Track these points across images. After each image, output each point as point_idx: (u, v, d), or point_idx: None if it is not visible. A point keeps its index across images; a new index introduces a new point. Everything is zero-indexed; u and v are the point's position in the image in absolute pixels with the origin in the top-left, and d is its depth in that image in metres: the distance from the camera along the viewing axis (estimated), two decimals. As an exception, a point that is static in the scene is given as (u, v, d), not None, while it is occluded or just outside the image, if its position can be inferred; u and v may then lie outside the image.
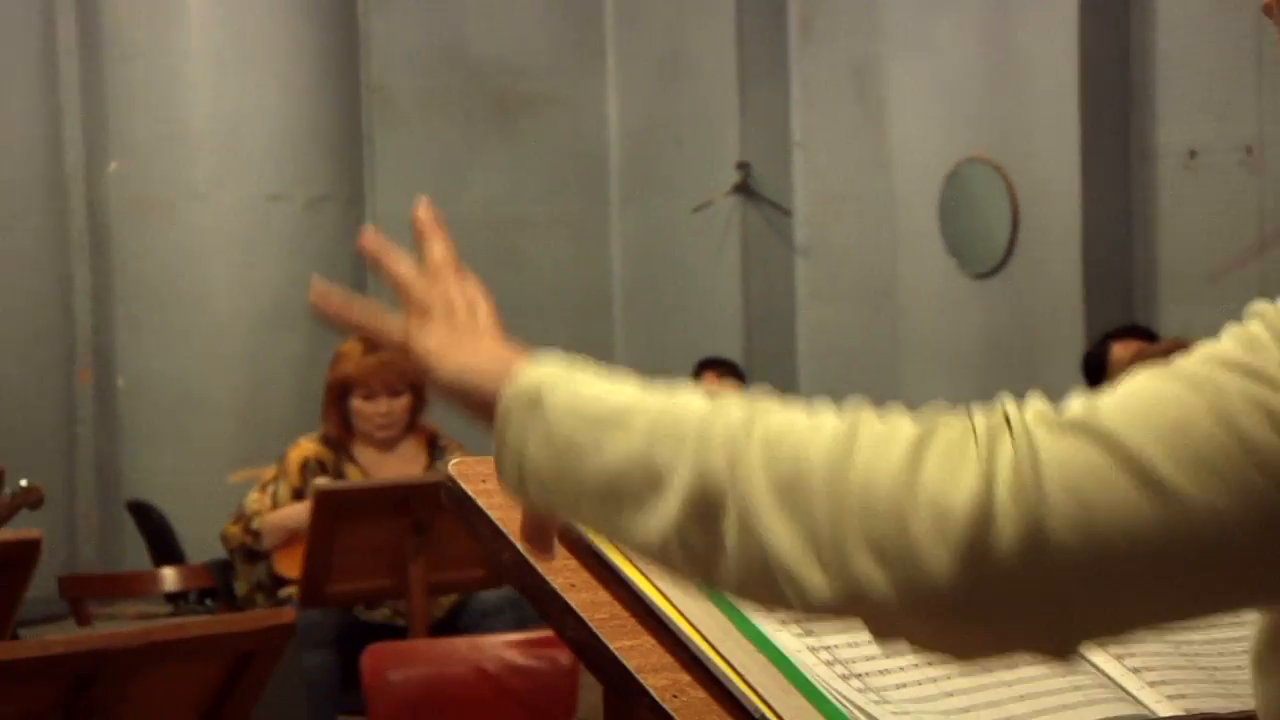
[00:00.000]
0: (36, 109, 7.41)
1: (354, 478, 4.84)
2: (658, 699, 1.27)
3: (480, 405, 1.23)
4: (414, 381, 4.94)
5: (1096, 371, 5.49)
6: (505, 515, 1.38)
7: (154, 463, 7.29)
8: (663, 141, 8.39)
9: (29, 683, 2.58)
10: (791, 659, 1.31)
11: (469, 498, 1.39)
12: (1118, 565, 1.02)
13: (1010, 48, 7.10)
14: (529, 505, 1.21)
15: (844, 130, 7.87)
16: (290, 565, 4.77)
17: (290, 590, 4.76)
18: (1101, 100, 6.90)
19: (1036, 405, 1.07)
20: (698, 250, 8.13)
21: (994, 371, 7.02)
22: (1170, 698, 1.40)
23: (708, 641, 1.30)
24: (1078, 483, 1.02)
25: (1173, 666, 1.44)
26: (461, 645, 3.98)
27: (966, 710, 1.32)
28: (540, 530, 1.28)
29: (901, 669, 1.34)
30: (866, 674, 1.32)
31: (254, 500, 4.87)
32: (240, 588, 4.97)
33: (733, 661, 1.29)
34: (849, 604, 1.05)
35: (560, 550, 1.37)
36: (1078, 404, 1.06)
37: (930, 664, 1.36)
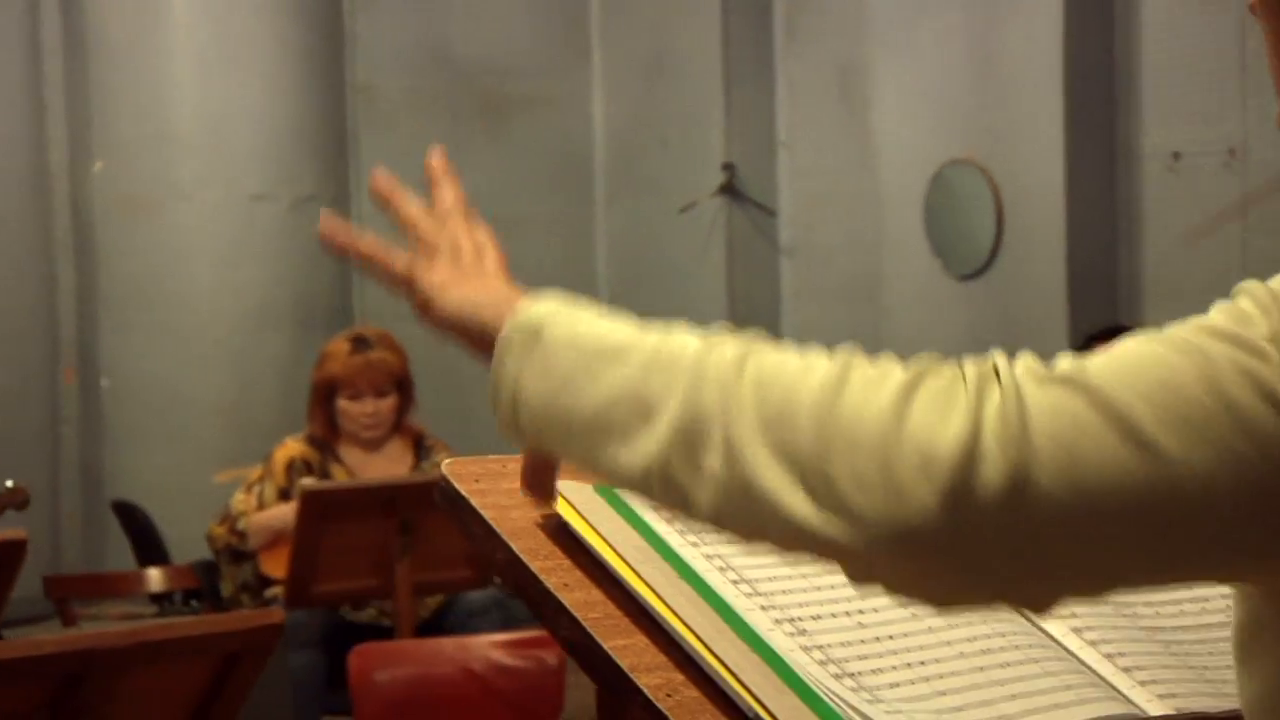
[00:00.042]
0: (20, 108, 7.39)
1: (340, 478, 4.84)
2: (651, 698, 1.27)
3: (479, 337, 1.25)
4: (400, 381, 4.95)
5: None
6: (499, 515, 1.38)
7: (139, 463, 7.28)
8: (648, 142, 8.39)
9: (15, 683, 2.58)
10: (785, 658, 1.31)
11: (462, 497, 1.39)
12: (1098, 517, 1.03)
13: (995, 50, 7.11)
14: (518, 438, 1.22)
15: (829, 131, 7.88)
16: (276, 565, 4.76)
17: (276, 590, 4.75)
18: (1086, 102, 6.91)
19: (1026, 359, 1.08)
20: (683, 250, 8.13)
21: (979, 372, 7.03)
22: (1161, 697, 1.41)
23: (701, 641, 1.30)
24: (1063, 433, 1.03)
25: (1163, 666, 1.44)
26: (448, 645, 3.98)
27: (959, 709, 1.32)
28: (540, 475, 1.29)
29: (894, 669, 1.35)
30: (860, 673, 1.32)
31: (239, 501, 4.87)
32: (226, 588, 4.96)
33: (726, 661, 1.29)
34: (828, 536, 1.06)
35: (554, 550, 1.37)
36: (1067, 361, 1.08)
37: (922, 664, 1.36)
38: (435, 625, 4.82)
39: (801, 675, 1.30)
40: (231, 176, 7.26)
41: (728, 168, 8.15)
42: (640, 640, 1.31)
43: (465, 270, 1.29)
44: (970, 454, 1.03)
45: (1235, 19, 6.29)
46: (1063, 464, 1.03)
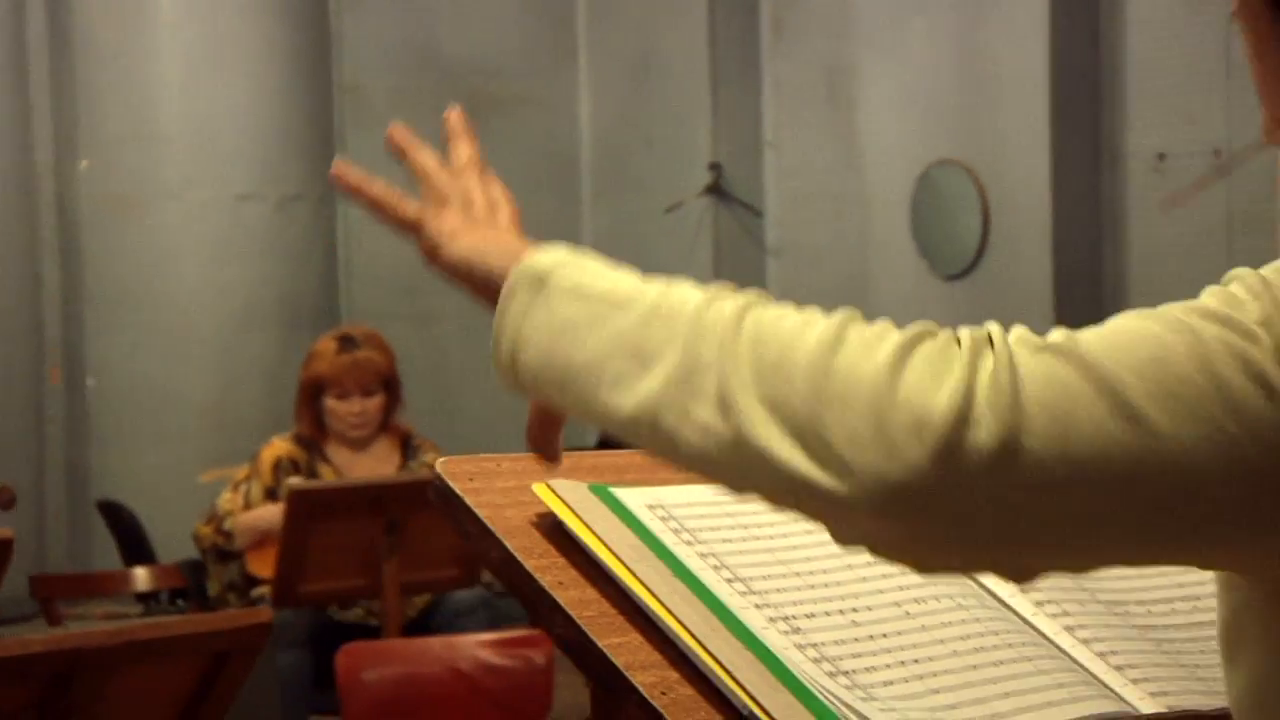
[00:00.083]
0: (6, 107, 7.37)
1: (327, 477, 4.83)
2: (646, 696, 1.27)
3: (484, 283, 1.26)
4: (387, 380, 4.94)
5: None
6: (493, 513, 1.38)
7: (124, 462, 7.27)
8: (634, 142, 8.40)
9: (3, 682, 2.57)
10: (779, 656, 1.31)
11: (456, 496, 1.39)
12: (1085, 486, 1.04)
13: (981, 51, 7.12)
14: (514, 385, 1.23)
15: (816, 131, 7.89)
16: (262, 565, 4.76)
17: (262, 590, 4.75)
18: (1071, 104, 6.93)
19: (1019, 329, 1.09)
20: (669, 250, 8.14)
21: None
22: (1153, 694, 1.41)
23: (695, 638, 1.31)
24: (1055, 402, 1.04)
25: (1155, 664, 1.45)
26: (436, 645, 3.98)
27: (953, 707, 1.33)
28: (545, 431, 1.30)
29: (888, 666, 1.35)
30: (853, 671, 1.33)
31: (226, 500, 4.86)
32: (212, 588, 4.96)
33: (720, 658, 1.29)
34: (818, 488, 1.06)
35: (548, 548, 1.37)
36: (1060, 333, 1.09)
37: (915, 661, 1.37)
38: (422, 625, 4.82)
39: (796, 673, 1.30)
40: (218, 176, 7.25)
41: (714, 168, 8.16)
42: (635, 638, 1.31)
43: (476, 221, 1.31)
44: (963, 417, 1.04)
45: (1220, 21, 6.31)
46: (1053, 432, 1.04)
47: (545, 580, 1.34)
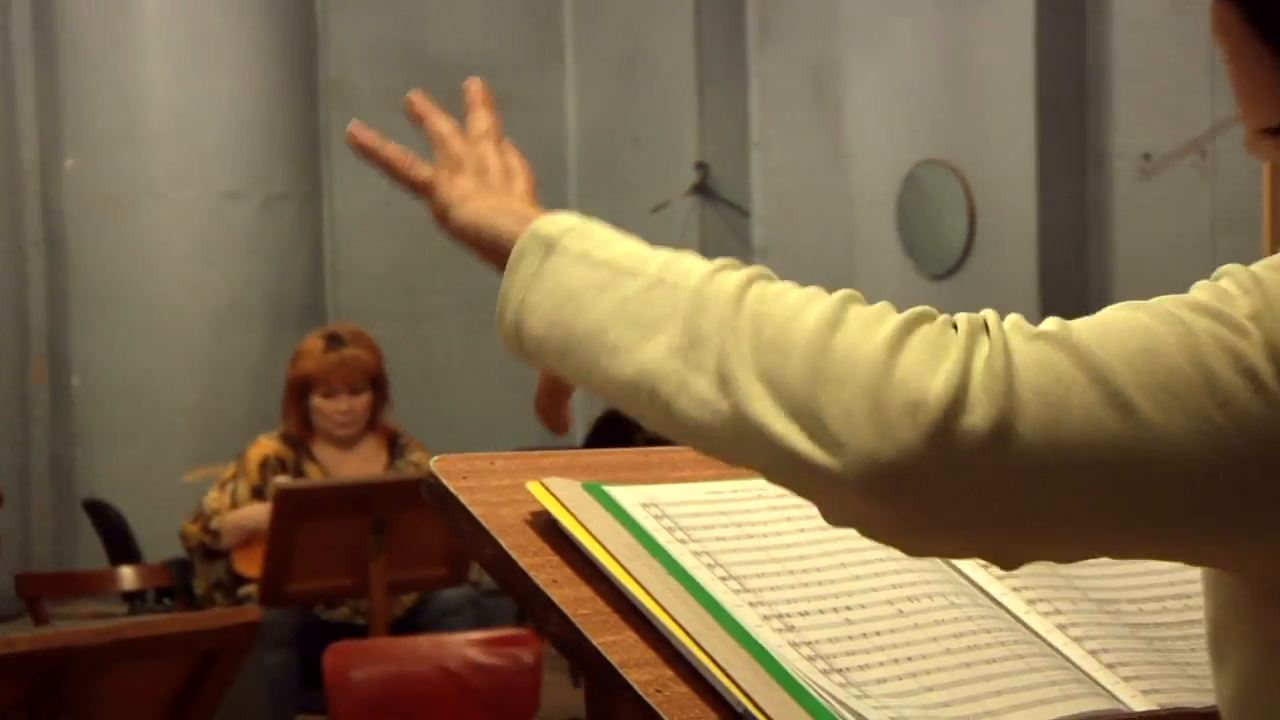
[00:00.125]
0: (-9, 106, 7.37)
1: (314, 476, 4.83)
2: (641, 693, 1.27)
3: (492, 247, 1.27)
4: (374, 378, 4.94)
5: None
6: (487, 512, 1.38)
7: (110, 461, 7.26)
8: (621, 141, 8.40)
9: (-7, 680, 2.57)
10: (773, 654, 1.31)
11: (450, 494, 1.39)
12: (1074, 474, 1.05)
13: (968, 51, 7.14)
14: (518, 350, 1.23)
15: (802, 131, 7.90)
16: (249, 564, 4.76)
17: (249, 589, 4.75)
18: (1057, 104, 6.95)
19: (1014, 316, 1.10)
20: (656, 250, 8.13)
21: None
22: (1145, 692, 1.42)
23: (690, 636, 1.31)
24: (1048, 389, 1.05)
25: (1147, 662, 1.45)
26: (424, 644, 3.98)
27: (946, 704, 1.33)
28: (553, 399, 1.30)
29: (881, 664, 1.35)
30: (848, 669, 1.33)
31: (213, 499, 4.86)
32: (199, 586, 4.95)
33: (715, 656, 1.30)
34: (811, 464, 1.07)
35: (543, 546, 1.37)
36: (1053, 321, 1.09)
37: (909, 659, 1.37)
38: (409, 624, 4.82)
39: (790, 671, 1.31)
40: (204, 175, 7.24)
41: (701, 167, 8.16)
42: (629, 636, 1.32)
43: (490, 186, 1.32)
44: (957, 401, 1.05)
45: (1204, 23, 6.31)
46: (1045, 419, 1.04)
47: (540, 578, 1.34)
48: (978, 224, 7.18)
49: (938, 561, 1.46)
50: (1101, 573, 1.53)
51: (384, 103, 8.15)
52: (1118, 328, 1.08)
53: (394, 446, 4.97)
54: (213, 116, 7.26)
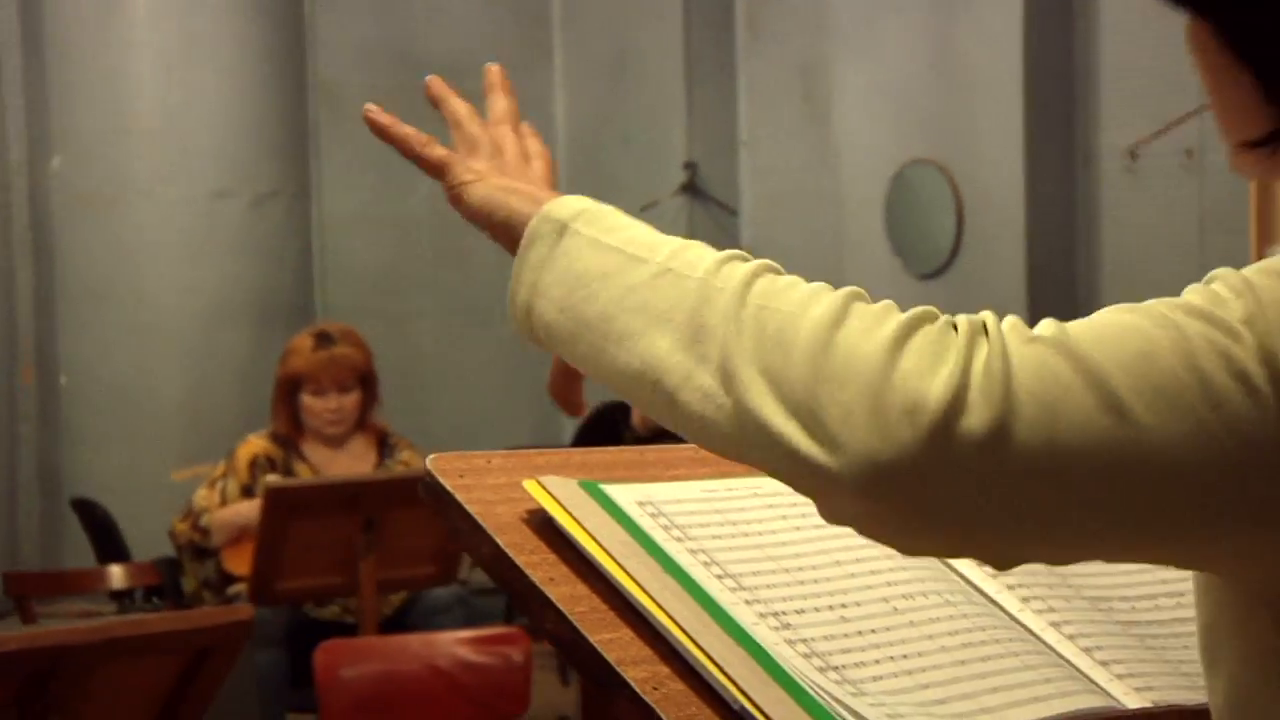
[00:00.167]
0: (-21, 104, 7.35)
1: (303, 475, 4.83)
2: (638, 691, 1.28)
3: (505, 228, 1.28)
4: (364, 377, 4.94)
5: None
6: (484, 510, 1.38)
7: (98, 460, 7.24)
8: (609, 140, 8.40)
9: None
10: (769, 651, 1.32)
11: (447, 492, 1.39)
12: (1069, 477, 1.05)
13: (956, 51, 7.14)
14: (528, 334, 1.24)
15: (790, 130, 7.90)
16: (239, 562, 4.75)
17: (239, 587, 4.74)
18: (1045, 103, 6.95)
19: (1012, 318, 1.11)
20: (644, 249, 8.13)
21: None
22: (1138, 690, 1.42)
23: (686, 634, 1.31)
24: (1045, 392, 1.06)
25: (1140, 660, 1.46)
26: (414, 642, 3.98)
27: (942, 701, 1.34)
28: (567, 381, 1.30)
29: (877, 662, 1.36)
30: (843, 666, 1.33)
31: (202, 497, 4.86)
32: (188, 585, 4.95)
33: (712, 654, 1.30)
34: (810, 461, 1.08)
35: (539, 544, 1.38)
36: (1050, 324, 1.10)
37: (905, 657, 1.38)
38: (398, 622, 4.82)
39: (786, 668, 1.31)
40: (192, 173, 7.23)
41: (689, 167, 8.16)
42: (626, 634, 1.32)
43: (505, 169, 1.33)
44: (956, 401, 1.05)
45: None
46: (1042, 421, 1.05)
47: (536, 576, 1.34)
48: (966, 223, 7.19)
49: (933, 560, 1.47)
50: (1094, 571, 1.54)
51: (372, 101, 8.13)
52: (1113, 331, 1.08)
53: (383, 445, 4.97)
54: (201, 115, 7.25)
